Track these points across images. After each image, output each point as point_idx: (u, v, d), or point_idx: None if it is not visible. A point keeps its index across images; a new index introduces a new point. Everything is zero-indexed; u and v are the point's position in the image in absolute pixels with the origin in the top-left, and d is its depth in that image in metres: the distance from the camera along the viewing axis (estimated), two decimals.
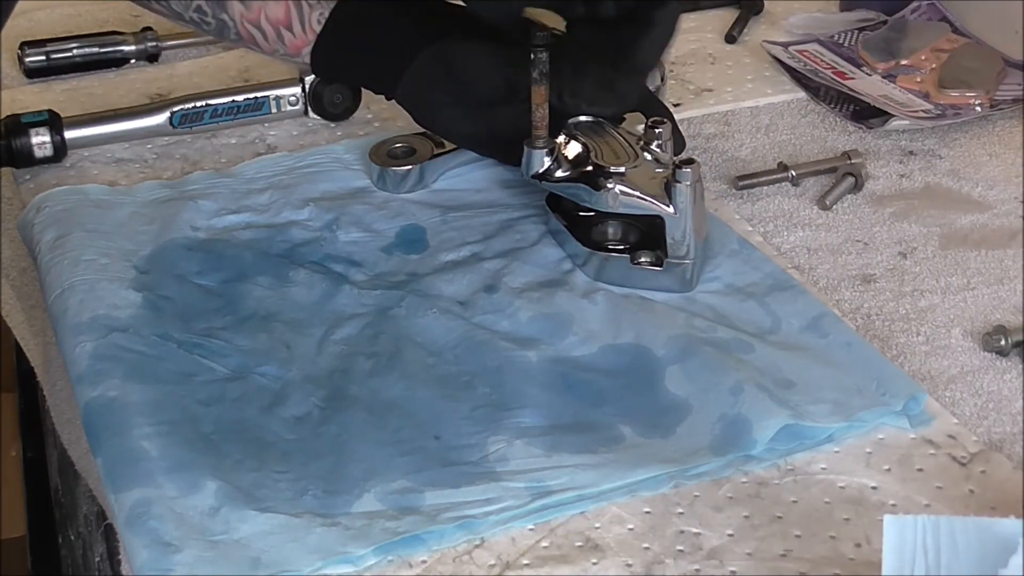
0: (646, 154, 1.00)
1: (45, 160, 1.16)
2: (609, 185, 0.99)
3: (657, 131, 1.00)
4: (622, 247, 1.02)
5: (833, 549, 0.80)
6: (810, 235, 1.08)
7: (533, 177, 1.02)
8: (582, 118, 1.03)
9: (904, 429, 0.88)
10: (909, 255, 1.05)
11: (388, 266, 1.03)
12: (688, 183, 0.97)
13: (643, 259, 1.00)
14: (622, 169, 0.99)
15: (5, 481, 1.71)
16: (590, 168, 1.00)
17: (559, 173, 1.02)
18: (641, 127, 1.02)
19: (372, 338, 0.96)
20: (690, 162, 0.97)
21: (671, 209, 0.98)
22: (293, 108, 1.22)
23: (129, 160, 1.18)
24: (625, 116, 1.06)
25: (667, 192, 0.98)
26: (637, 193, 0.99)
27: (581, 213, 1.03)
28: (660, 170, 0.99)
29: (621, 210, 1.00)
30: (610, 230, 1.03)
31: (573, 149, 1.02)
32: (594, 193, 1.00)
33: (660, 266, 0.99)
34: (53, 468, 1.37)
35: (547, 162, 1.02)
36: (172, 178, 1.14)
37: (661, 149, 1.00)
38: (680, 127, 1.08)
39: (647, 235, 1.01)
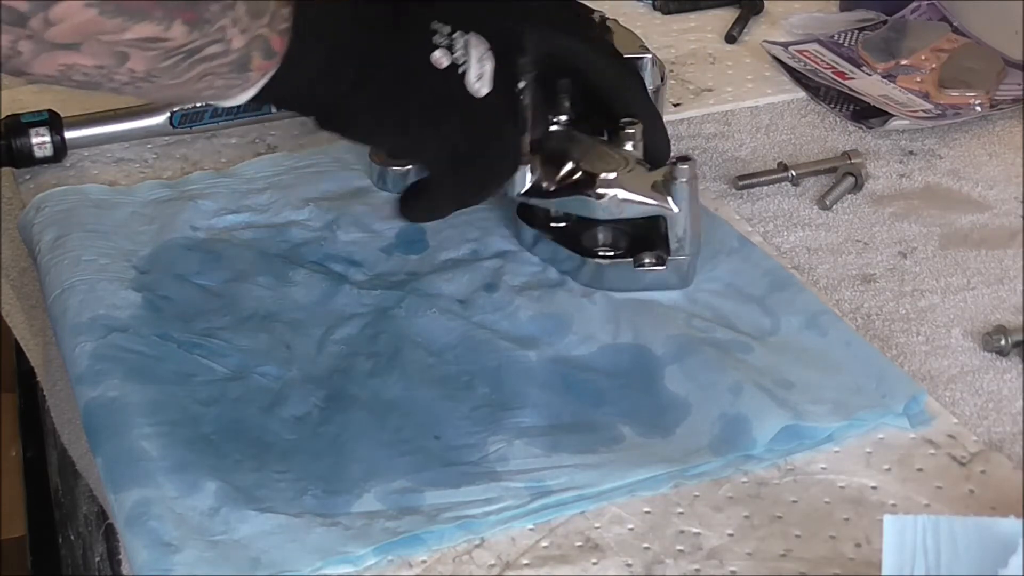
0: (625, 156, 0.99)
1: (45, 160, 1.16)
2: (611, 192, 0.98)
3: (629, 132, 0.99)
4: (612, 253, 1.01)
5: (833, 549, 0.80)
6: (810, 235, 1.08)
7: (522, 195, 1.00)
8: (551, 128, 1.01)
9: (904, 429, 0.88)
10: (909, 255, 1.05)
11: (388, 266, 1.03)
12: (686, 179, 0.97)
13: (647, 260, 0.99)
14: (614, 175, 0.98)
15: (5, 481, 1.71)
16: (580, 176, 0.99)
17: (546, 186, 1.00)
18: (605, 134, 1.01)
19: (372, 338, 0.96)
20: (686, 159, 0.97)
21: (673, 207, 0.98)
22: None
23: (129, 160, 1.17)
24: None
25: (666, 190, 0.97)
26: (638, 196, 0.98)
27: (553, 224, 1.02)
28: (649, 170, 0.99)
29: (626, 215, 0.99)
30: (600, 235, 1.02)
31: (557, 161, 1.00)
32: (595, 201, 0.99)
33: (663, 265, 0.99)
34: (53, 468, 1.37)
35: (531, 179, 1.00)
36: (172, 178, 1.14)
37: (634, 149, 0.99)
38: (680, 127, 1.08)
39: (633, 237, 1.01)
